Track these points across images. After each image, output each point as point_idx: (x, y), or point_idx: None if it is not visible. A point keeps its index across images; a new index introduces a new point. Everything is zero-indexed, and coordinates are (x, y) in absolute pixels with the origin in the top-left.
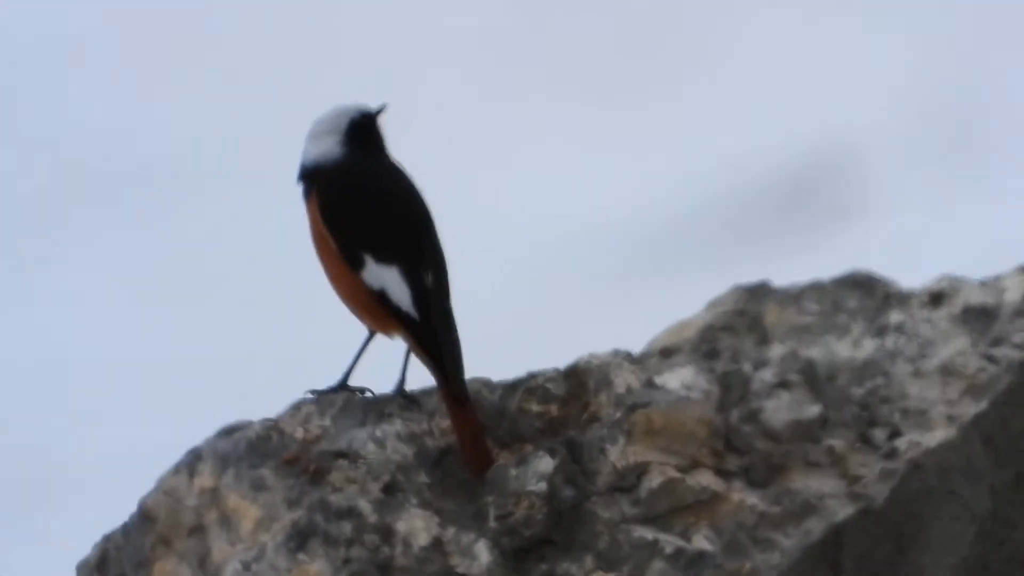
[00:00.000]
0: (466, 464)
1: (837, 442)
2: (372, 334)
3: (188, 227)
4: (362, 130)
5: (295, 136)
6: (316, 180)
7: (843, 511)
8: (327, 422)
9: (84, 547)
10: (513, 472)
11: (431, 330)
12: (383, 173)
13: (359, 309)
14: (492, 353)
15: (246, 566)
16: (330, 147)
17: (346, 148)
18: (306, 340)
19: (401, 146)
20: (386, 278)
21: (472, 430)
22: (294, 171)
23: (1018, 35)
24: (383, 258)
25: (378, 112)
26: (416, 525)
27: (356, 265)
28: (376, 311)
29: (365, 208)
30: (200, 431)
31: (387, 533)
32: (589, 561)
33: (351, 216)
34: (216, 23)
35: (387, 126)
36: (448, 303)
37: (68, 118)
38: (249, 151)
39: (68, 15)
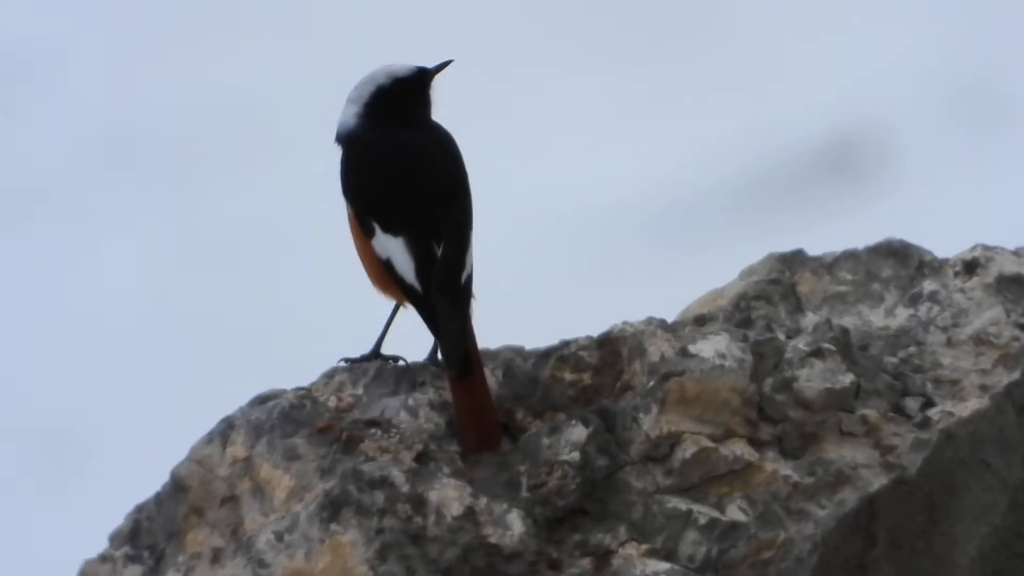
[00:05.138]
0: (461, 441)
1: (870, 411)
2: (400, 302)
3: (222, 193)
4: (389, 97)
5: (328, 99)
6: (342, 147)
7: (877, 481)
8: (360, 391)
9: (117, 517)
10: (546, 441)
11: (431, 304)
12: (396, 144)
13: (371, 277)
14: (526, 322)
15: (279, 536)
16: (349, 117)
17: (363, 119)
18: (340, 307)
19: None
20: (392, 248)
21: (470, 407)
22: (329, 134)
23: None
24: (389, 228)
25: (412, 76)
26: (449, 495)
27: (368, 233)
28: (385, 280)
29: (373, 179)
30: (233, 399)
31: (419, 503)
32: (622, 531)
33: (361, 186)
34: None
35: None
36: (458, 277)
37: (99, 84)
38: (283, 116)
39: None
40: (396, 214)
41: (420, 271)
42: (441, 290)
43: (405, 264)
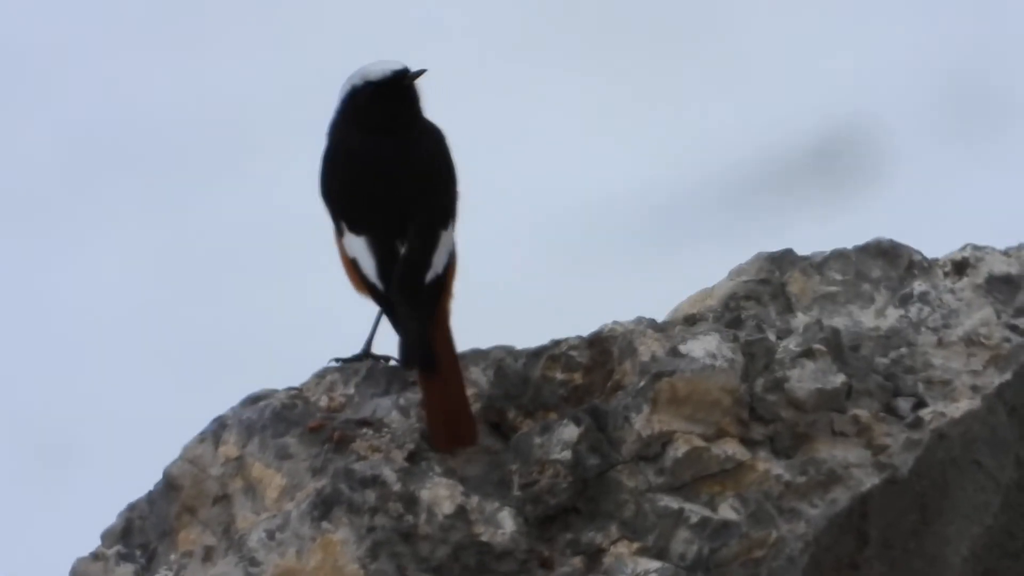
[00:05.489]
0: (430, 439)
1: (862, 411)
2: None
3: (216, 194)
4: (360, 98)
5: (326, 99)
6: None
7: (869, 481)
8: (351, 390)
9: (109, 515)
10: (537, 440)
11: (391, 302)
12: (364, 145)
13: (347, 276)
14: (517, 321)
15: (270, 534)
16: (333, 112)
17: (338, 116)
18: (331, 307)
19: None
20: (356, 247)
21: (437, 405)
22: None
23: None
24: (354, 228)
25: (384, 79)
26: (440, 493)
27: (340, 233)
28: (355, 279)
29: (340, 179)
30: (225, 399)
31: (411, 501)
32: (614, 530)
33: (330, 185)
34: None
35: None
36: (420, 276)
37: (97, 84)
38: (280, 116)
39: None
40: (360, 214)
41: (381, 270)
42: (400, 289)
43: (368, 264)
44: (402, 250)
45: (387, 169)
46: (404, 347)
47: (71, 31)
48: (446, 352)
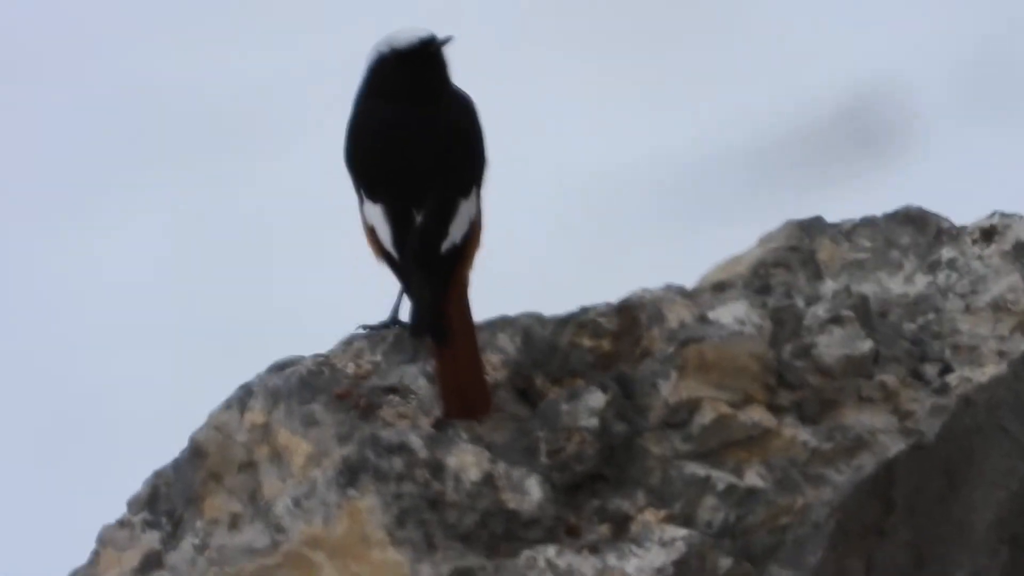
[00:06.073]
0: (442, 408)
1: (889, 377)
2: None
3: (238, 172)
4: (386, 65)
5: (342, 83)
6: None
7: (895, 446)
8: (378, 357)
9: (135, 483)
10: (565, 407)
11: (405, 271)
12: (387, 112)
13: (367, 243)
14: (546, 289)
15: (296, 502)
16: (360, 80)
17: (364, 84)
18: (357, 276)
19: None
20: (373, 215)
21: (450, 375)
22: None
23: None
24: (372, 195)
25: (411, 47)
26: (467, 460)
27: (360, 201)
28: (374, 247)
29: (361, 145)
30: (253, 367)
31: (438, 468)
32: (641, 497)
33: (351, 151)
34: None
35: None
36: (435, 246)
37: (134, 69)
38: (304, 98)
39: None
40: (379, 181)
41: (396, 238)
42: (415, 258)
43: (384, 231)
44: (418, 218)
45: (409, 136)
46: (415, 316)
47: (94, 16)
48: (460, 322)
